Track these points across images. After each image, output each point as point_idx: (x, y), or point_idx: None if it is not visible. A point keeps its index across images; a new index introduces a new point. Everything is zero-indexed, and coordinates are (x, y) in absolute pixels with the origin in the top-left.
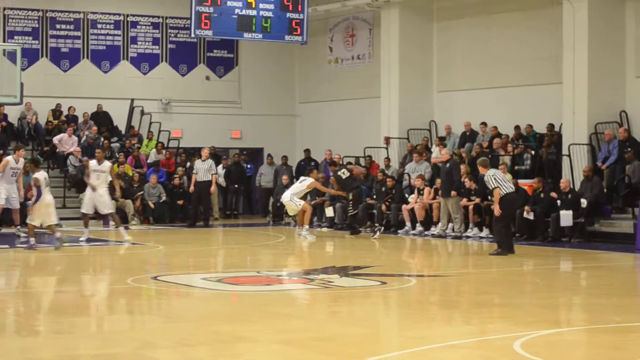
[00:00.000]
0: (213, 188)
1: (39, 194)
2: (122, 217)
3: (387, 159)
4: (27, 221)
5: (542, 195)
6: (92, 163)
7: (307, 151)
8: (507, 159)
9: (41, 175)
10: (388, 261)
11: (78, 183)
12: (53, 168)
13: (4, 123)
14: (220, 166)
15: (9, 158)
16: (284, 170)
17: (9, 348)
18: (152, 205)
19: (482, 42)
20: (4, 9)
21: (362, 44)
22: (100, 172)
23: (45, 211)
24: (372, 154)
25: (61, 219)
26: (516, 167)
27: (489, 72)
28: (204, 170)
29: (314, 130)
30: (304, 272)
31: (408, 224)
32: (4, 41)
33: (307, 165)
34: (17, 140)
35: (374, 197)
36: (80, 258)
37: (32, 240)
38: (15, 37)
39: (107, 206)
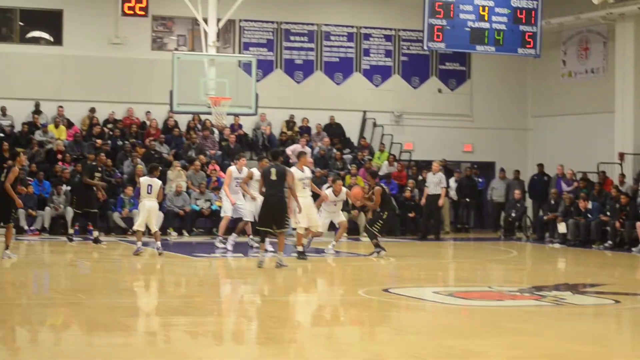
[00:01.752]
0: (442, 201)
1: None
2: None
3: (622, 175)
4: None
5: None
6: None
7: (540, 165)
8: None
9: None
10: (622, 279)
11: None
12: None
13: (240, 131)
14: (452, 179)
15: (232, 168)
16: (516, 184)
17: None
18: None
19: None
20: (240, 20)
21: (596, 57)
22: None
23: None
24: (605, 170)
25: None
26: None
27: None
28: (434, 183)
29: (547, 144)
30: (536, 288)
31: None
32: (240, 52)
33: (540, 180)
34: (252, 150)
35: (607, 213)
36: (317, 267)
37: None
38: (250, 49)
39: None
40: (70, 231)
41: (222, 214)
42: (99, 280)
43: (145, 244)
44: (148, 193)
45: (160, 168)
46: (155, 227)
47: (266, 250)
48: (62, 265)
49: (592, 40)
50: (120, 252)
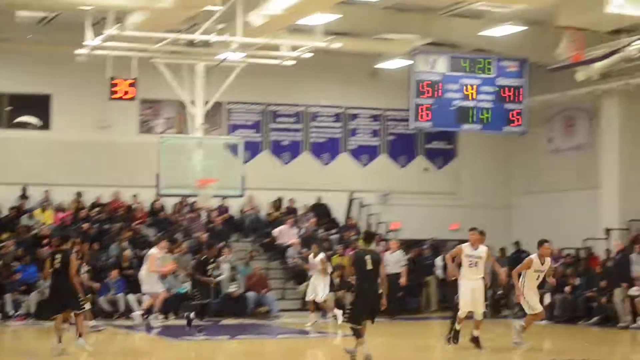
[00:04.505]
0: (404, 280)
1: None
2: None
3: (608, 250)
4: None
5: None
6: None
7: (516, 243)
8: None
9: None
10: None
11: (297, 275)
12: (273, 260)
13: (226, 215)
14: (439, 258)
15: (154, 250)
16: (502, 262)
17: None
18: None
19: None
20: (227, 102)
21: (581, 133)
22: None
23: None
24: (591, 246)
25: (280, 310)
26: None
27: None
28: (393, 262)
29: (533, 221)
30: None
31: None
32: (227, 134)
33: (518, 257)
34: (239, 232)
35: (595, 289)
36: None
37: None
38: (238, 131)
39: None
40: None
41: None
42: None
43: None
44: None
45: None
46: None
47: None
48: None
49: (578, 116)
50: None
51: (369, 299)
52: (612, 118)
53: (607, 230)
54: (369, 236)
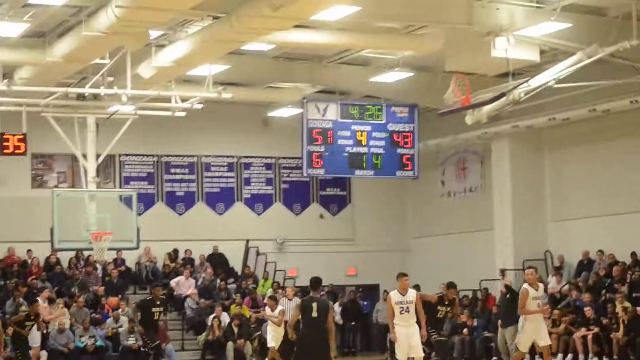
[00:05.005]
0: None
1: None
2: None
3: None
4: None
5: None
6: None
7: (416, 286)
8: (625, 287)
9: None
10: None
11: (195, 325)
12: (171, 311)
13: (122, 267)
14: (337, 304)
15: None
16: None
17: None
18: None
19: (594, 169)
20: (120, 155)
21: (473, 176)
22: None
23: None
24: (488, 287)
25: None
26: (634, 295)
27: (603, 199)
28: (290, 309)
29: (429, 264)
30: None
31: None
32: (120, 187)
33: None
34: (136, 284)
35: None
36: None
37: None
38: (131, 183)
39: None
40: None
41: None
42: None
43: None
44: None
45: None
46: None
47: None
48: None
49: (469, 159)
50: None
51: (313, 348)
52: (503, 160)
53: (502, 271)
54: (316, 283)
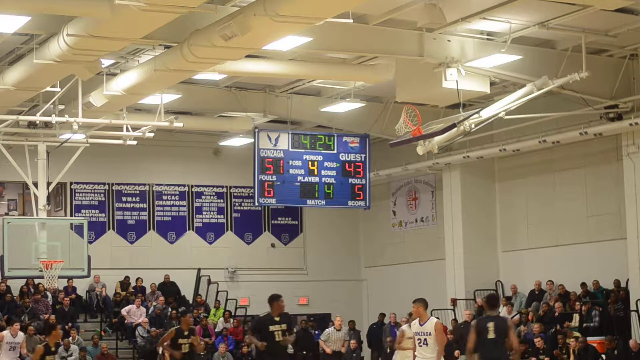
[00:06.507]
0: None
1: None
2: None
3: (455, 320)
4: None
5: (616, 352)
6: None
7: (381, 315)
8: (575, 317)
9: None
10: None
11: (146, 354)
12: (122, 339)
13: (72, 296)
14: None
15: (6, 333)
16: (352, 334)
17: None
18: None
19: (544, 200)
20: (71, 183)
21: (425, 206)
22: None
23: None
24: (439, 316)
25: None
26: (584, 325)
27: (553, 229)
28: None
29: (381, 293)
30: None
31: None
32: (71, 215)
33: (379, 329)
34: (86, 312)
35: None
36: None
37: None
38: (83, 211)
39: None
40: None
41: None
42: None
43: None
44: None
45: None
46: None
47: None
48: None
49: (421, 189)
50: None
51: None
52: (454, 190)
53: (454, 301)
54: (494, 300)
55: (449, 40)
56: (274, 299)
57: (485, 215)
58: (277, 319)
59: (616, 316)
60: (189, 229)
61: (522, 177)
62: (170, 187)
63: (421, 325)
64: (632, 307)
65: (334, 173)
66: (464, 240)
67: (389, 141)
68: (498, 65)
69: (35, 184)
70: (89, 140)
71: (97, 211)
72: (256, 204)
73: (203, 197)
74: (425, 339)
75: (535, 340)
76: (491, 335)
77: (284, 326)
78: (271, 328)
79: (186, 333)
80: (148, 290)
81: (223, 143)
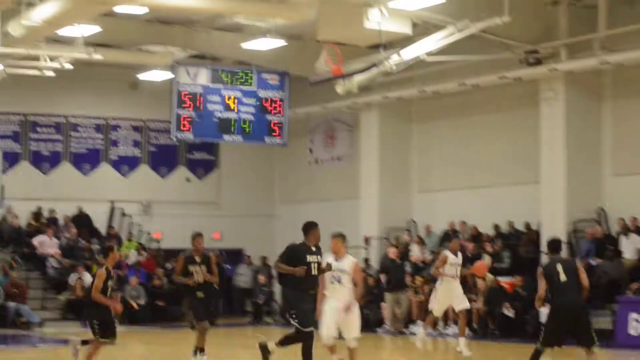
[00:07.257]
0: None
1: None
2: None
3: (367, 259)
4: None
5: (524, 292)
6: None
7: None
8: (487, 257)
9: None
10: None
11: (57, 285)
12: (33, 270)
13: None
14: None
15: None
16: (263, 270)
17: None
18: (136, 307)
19: (460, 143)
20: None
21: (342, 145)
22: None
23: None
24: (352, 254)
25: (42, 319)
26: (495, 265)
27: (468, 172)
28: None
29: (294, 230)
30: None
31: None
32: None
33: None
34: None
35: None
36: None
37: None
38: None
39: None
40: None
41: None
42: None
43: None
44: None
45: None
46: None
47: None
48: None
49: (339, 128)
50: None
51: (570, 316)
52: (372, 130)
53: (367, 239)
54: (557, 243)
55: None
56: (311, 227)
57: (402, 156)
58: (313, 248)
59: (527, 258)
60: (104, 162)
61: (440, 119)
62: (87, 120)
63: (337, 261)
64: (543, 249)
65: (252, 110)
66: (379, 180)
67: (309, 79)
68: (421, 7)
69: None
70: (6, 70)
71: (11, 141)
72: (173, 138)
73: (119, 130)
74: (339, 277)
75: None
76: (562, 277)
77: (319, 258)
78: (309, 258)
79: (198, 259)
80: (61, 222)
81: (141, 76)
